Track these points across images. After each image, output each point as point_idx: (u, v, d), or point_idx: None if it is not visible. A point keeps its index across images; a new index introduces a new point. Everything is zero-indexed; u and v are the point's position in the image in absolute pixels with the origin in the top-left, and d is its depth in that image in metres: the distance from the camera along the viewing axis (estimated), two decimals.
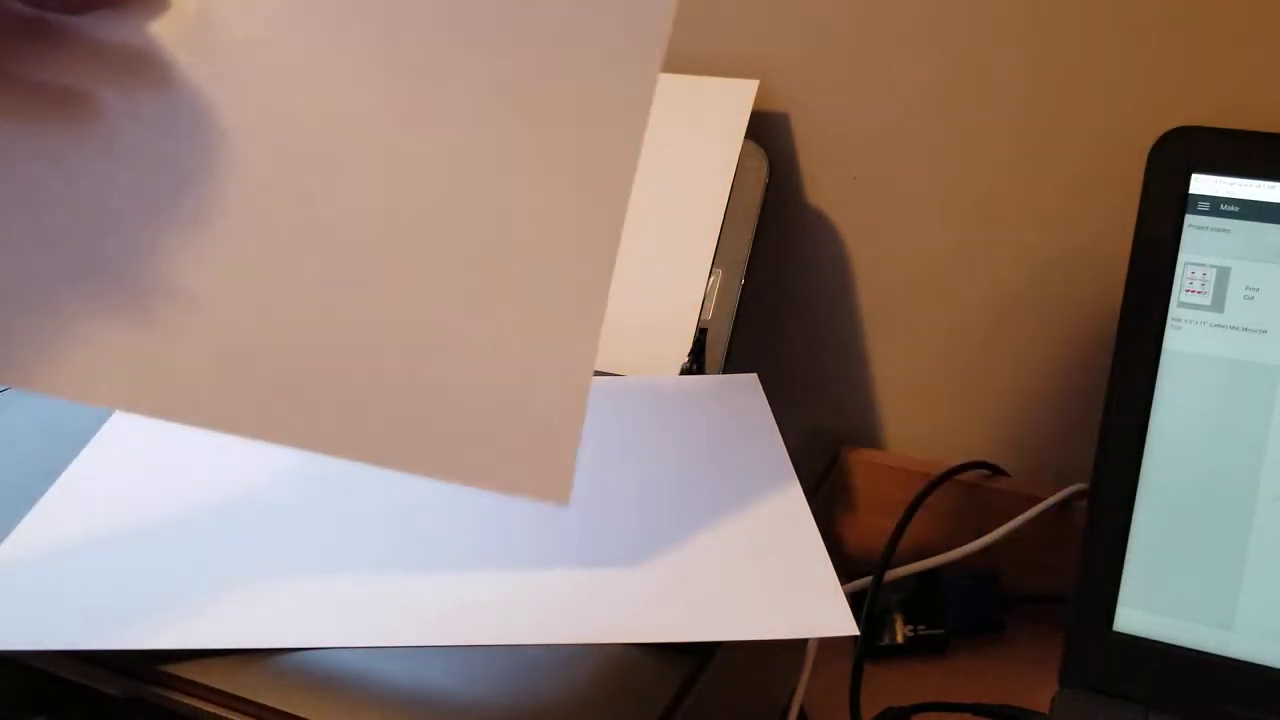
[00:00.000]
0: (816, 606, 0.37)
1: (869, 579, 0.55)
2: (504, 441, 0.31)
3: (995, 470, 0.61)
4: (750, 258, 0.57)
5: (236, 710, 0.33)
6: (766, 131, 0.61)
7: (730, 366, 0.56)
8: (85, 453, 0.44)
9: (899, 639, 0.56)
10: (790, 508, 0.42)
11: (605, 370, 0.53)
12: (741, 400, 0.50)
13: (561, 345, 0.31)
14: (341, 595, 0.36)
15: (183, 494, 0.42)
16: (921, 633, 0.56)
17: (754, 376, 0.52)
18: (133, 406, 0.32)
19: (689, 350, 0.55)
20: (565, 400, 0.30)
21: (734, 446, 0.46)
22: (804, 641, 0.49)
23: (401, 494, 0.42)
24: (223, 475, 0.43)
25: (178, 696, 0.34)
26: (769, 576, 0.38)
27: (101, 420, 0.46)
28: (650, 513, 0.41)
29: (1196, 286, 0.47)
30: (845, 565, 0.61)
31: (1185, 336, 0.47)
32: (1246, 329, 0.47)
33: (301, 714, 0.32)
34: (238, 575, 0.37)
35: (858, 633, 0.36)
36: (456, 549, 0.39)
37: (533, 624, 0.35)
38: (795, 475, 0.44)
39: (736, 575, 0.38)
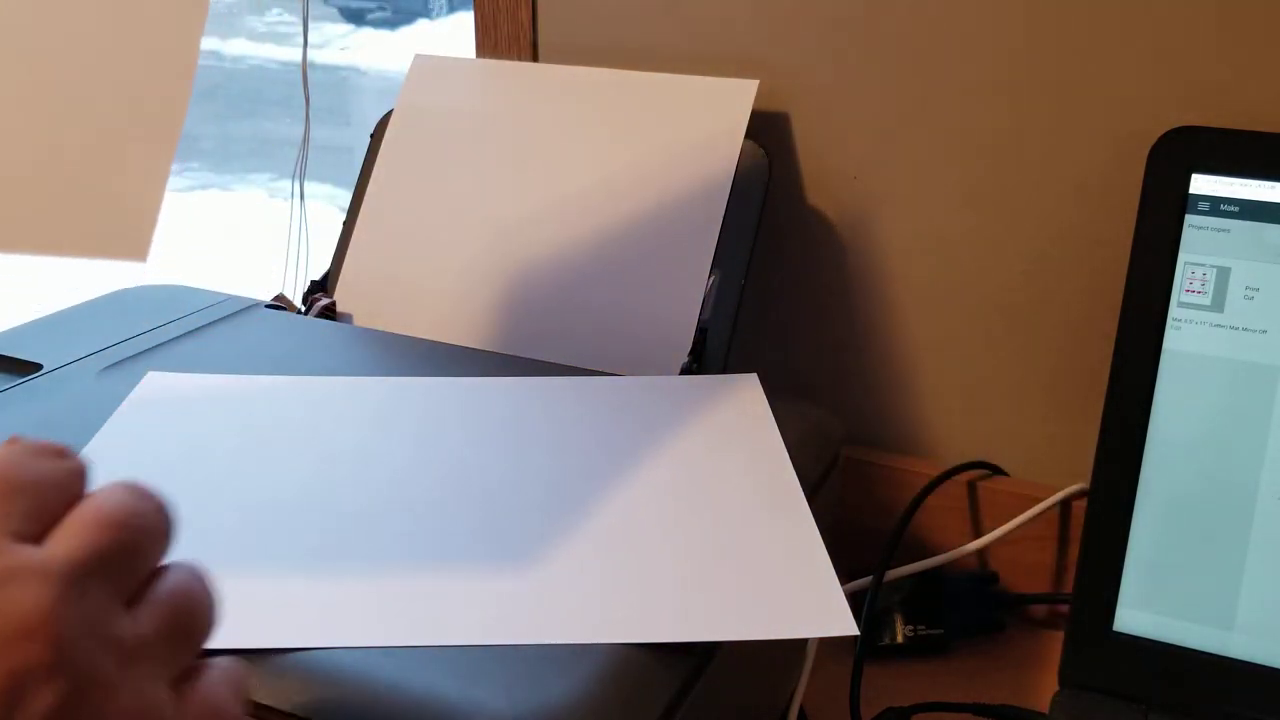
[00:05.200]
0: (816, 606, 0.37)
1: (869, 579, 0.55)
2: (88, 210, 0.37)
3: (995, 470, 0.61)
4: (750, 258, 0.57)
5: None
6: (766, 131, 0.61)
7: (730, 366, 0.56)
8: (84, 454, 0.44)
9: (899, 639, 0.56)
10: (790, 508, 0.42)
11: (605, 370, 0.53)
12: (742, 400, 0.50)
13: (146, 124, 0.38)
14: (341, 595, 0.36)
15: (181, 495, 0.42)
16: (921, 633, 0.56)
17: (754, 376, 0.52)
18: None
19: (689, 350, 0.55)
20: (148, 169, 0.36)
21: (734, 446, 0.46)
22: (804, 641, 0.48)
23: (402, 493, 0.42)
24: (221, 475, 0.43)
25: None
26: (769, 576, 0.38)
27: (102, 421, 0.46)
28: (650, 512, 0.41)
29: (1196, 286, 0.47)
30: (845, 565, 0.61)
31: (1185, 336, 0.47)
32: (1246, 329, 0.47)
33: (301, 714, 0.32)
34: (237, 575, 0.37)
35: (858, 633, 0.36)
36: (457, 548, 0.39)
37: (533, 623, 0.35)
38: (795, 475, 0.44)
39: (737, 575, 0.38)
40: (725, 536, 0.40)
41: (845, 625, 0.36)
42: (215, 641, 0.34)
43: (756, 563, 0.39)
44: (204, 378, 0.51)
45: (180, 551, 0.38)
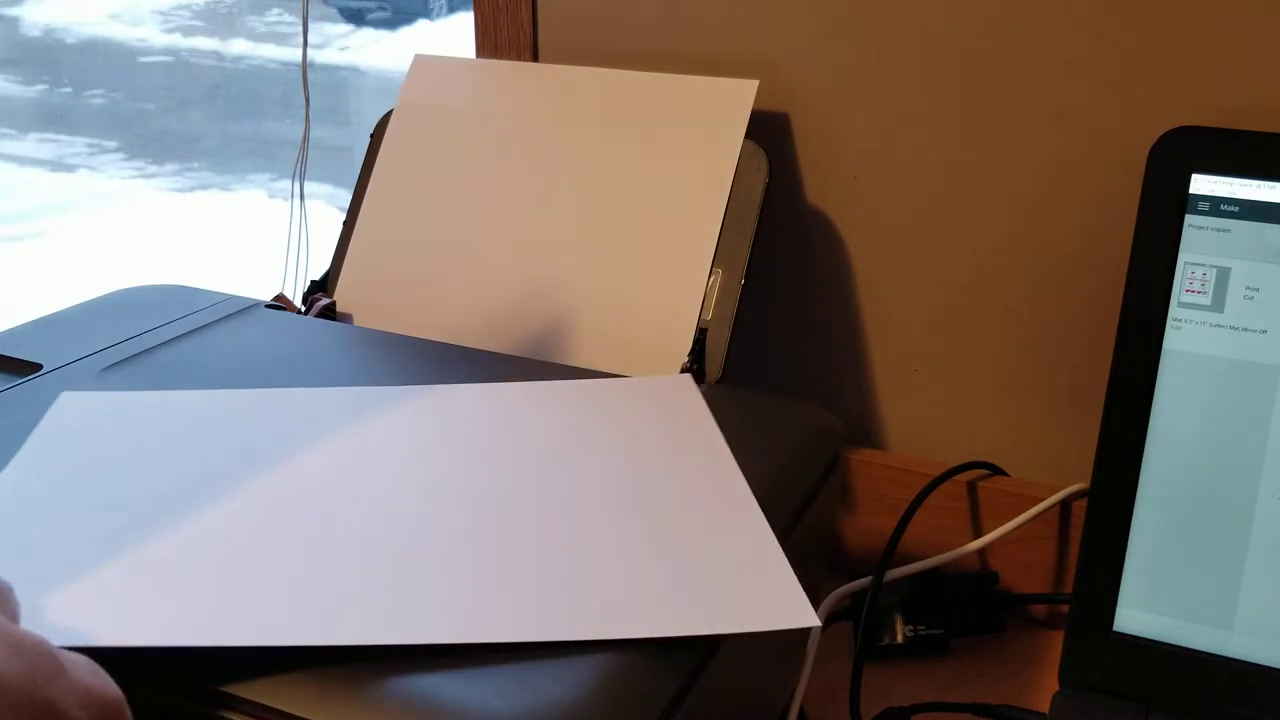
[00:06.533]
0: (774, 599, 0.37)
1: (869, 579, 0.55)
2: None
3: (995, 470, 0.61)
4: (750, 258, 0.57)
5: (236, 710, 0.33)
6: (766, 131, 0.61)
7: (730, 366, 0.56)
8: (3, 475, 0.43)
9: (899, 639, 0.56)
10: (739, 506, 0.42)
11: (606, 370, 0.53)
12: (678, 400, 0.50)
13: None
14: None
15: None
16: (921, 633, 0.56)
17: (688, 377, 0.52)
18: None
19: (689, 350, 0.55)
20: None
21: (678, 446, 0.46)
22: (804, 641, 0.48)
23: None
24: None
25: (174, 697, 0.34)
26: (725, 572, 0.38)
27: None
28: (599, 514, 0.41)
29: (1196, 286, 0.47)
30: (845, 565, 0.62)
31: (1185, 336, 0.47)
32: (1246, 329, 0.47)
33: (301, 714, 0.32)
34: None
35: (818, 623, 0.36)
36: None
37: (525, 620, 0.35)
38: (740, 471, 0.44)
39: (693, 572, 0.38)
40: (677, 535, 0.40)
41: (805, 617, 0.36)
42: (214, 641, 0.34)
43: (711, 559, 0.39)
44: (121, 395, 0.49)
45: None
